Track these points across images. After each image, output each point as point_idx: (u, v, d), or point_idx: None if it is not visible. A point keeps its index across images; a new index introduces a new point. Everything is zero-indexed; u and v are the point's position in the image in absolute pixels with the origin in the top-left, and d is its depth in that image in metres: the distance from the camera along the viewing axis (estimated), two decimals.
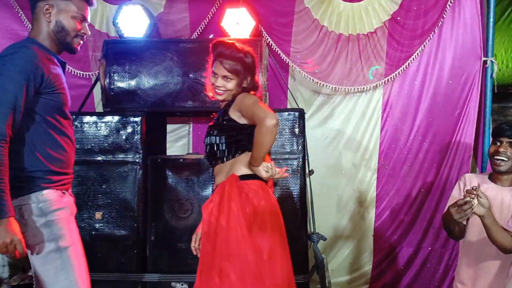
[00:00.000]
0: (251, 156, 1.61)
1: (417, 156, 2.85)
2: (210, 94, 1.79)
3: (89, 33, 1.70)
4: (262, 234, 1.60)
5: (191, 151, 3.14)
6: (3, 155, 1.40)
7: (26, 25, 2.88)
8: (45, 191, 1.52)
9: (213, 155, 1.71)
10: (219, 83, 1.71)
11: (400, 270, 2.93)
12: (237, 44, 1.72)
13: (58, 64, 1.61)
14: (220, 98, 1.73)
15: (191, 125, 3.14)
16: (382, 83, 2.79)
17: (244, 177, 1.65)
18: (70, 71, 2.94)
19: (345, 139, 2.94)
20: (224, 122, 1.69)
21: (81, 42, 1.66)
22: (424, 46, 2.75)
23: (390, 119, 2.85)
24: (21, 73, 1.45)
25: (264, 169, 1.61)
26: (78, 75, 2.95)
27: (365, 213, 2.97)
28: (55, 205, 1.53)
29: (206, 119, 3.01)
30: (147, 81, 2.57)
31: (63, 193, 1.59)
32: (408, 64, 2.75)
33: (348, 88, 2.81)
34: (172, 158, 2.66)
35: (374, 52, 2.77)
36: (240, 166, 1.67)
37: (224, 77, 1.69)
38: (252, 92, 1.74)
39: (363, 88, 2.80)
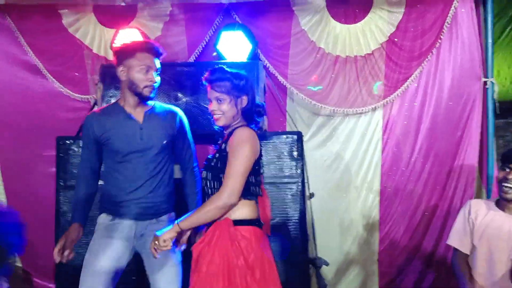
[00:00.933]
0: (185, 217, 1.59)
1: (419, 178, 2.79)
2: (216, 127, 1.76)
3: (156, 80, 1.91)
4: None
5: None
6: None
7: (26, 49, 2.90)
8: None
9: (208, 194, 1.65)
10: (213, 107, 1.69)
11: None
12: (224, 67, 1.71)
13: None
14: (220, 123, 1.69)
15: None
16: (381, 104, 2.76)
17: (238, 223, 1.58)
18: (67, 94, 2.95)
19: (345, 161, 2.89)
20: (218, 161, 1.63)
21: (152, 90, 1.90)
22: (422, 67, 2.73)
23: (390, 140, 2.80)
24: None
25: (164, 241, 1.56)
26: (76, 98, 2.95)
27: (369, 236, 2.89)
28: None
29: (204, 139, 2.98)
30: None
31: None
32: (407, 85, 2.73)
33: (346, 110, 2.78)
34: None
35: (372, 73, 2.75)
36: (234, 209, 1.60)
37: (217, 99, 1.67)
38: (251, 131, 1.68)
39: (362, 110, 2.77)
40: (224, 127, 1.72)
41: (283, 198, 2.43)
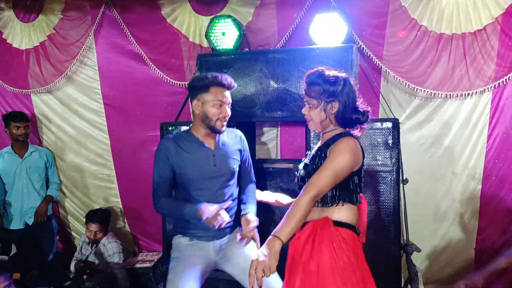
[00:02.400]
0: (281, 228, 1.45)
1: None
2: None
3: (229, 114, 1.99)
4: None
5: (279, 154, 3.19)
6: None
7: (130, 39, 3.14)
8: None
9: None
10: (304, 111, 1.69)
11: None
12: (321, 70, 1.65)
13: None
14: (311, 128, 1.70)
15: (279, 128, 3.17)
16: (491, 87, 2.48)
17: (337, 224, 1.59)
18: (167, 80, 3.15)
19: (444, 146, 2.71)
20: (319, 166, 1.58)
21: (224, 123, 1.98)
22: None
23: (500, 125, 2.54)
24: None
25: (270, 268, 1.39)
26: (175, 84, 3.14)
27: (467, 225, 2.74)
28: None
29: (294, 123, 3.02)
30: (237, 92, 2.64)
31: None
32: None
33: (449, 94, 2.56)
34: (263, 166, 2.71)
35: (482, 52, 2.46)
36: (335, 210, 1.60)
37: (307, 103, 1.67)
38: (353, 132, 1.66)
39: (468, 93, 2.53)
40: (319, 131, 1.71)
41: (376, 187, 2.39)
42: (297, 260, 1.57)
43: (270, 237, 1.44)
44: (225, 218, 1.85)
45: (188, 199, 2.01)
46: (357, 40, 2.65)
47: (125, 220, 3.68)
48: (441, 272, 2.86)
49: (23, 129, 3.23)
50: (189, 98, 2.05)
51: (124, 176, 3.52)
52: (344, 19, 2.45)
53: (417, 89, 2.62)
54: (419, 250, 2.59)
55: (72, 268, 3.26)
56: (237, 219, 2.11)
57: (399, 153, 2.37)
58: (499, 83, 2.46)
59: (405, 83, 2.63)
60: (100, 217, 3.20)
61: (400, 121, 2.58)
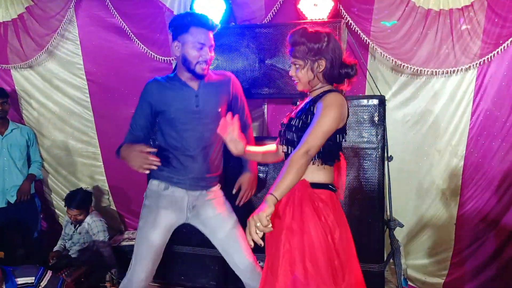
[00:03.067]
0: (276, 186, 1.45)
1: None
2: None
3: (209, 56, 1.89)
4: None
5: (266, 132, 3.19)
6: None
7: (113, 12, 3.03)
8: None
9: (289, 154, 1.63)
10: (291, 72, 1.68)
11: (485, 260, 2.76)
12: (306, 28, 1.63)
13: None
14: (299, 88, 1.70)
15: (266, 106, 3.15)
16: (476, 64, 2.49)
17: (314, 186, 1.60)
18: (150, 55, 3.07)
19: (429, 123, 2.73)
20: (306, 121, 1.59)
21: (205, 66, 1.87)
22: None
23: (483, 103, 2.57)
24: None
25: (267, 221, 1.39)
26: (159, 59, 3.07)
27: (449, 201, 2.80)
28: None
29: (281, 100, 3.00)
30: (224, 68, 2.61)
31: None
32: (511, 42, 2.40)
33: (435, 71, 2.56)
34: None
35: (468, 28, 2.46)
36: (312, 171, 1.60)
37: (294, 64, 1.65)
38: (342, 87, 1.66)
39: (453, 70, 2.53)
40: (307, 91, 1.70)
41: (361, 163, 2.41)
42: (278, 224, 1.58)
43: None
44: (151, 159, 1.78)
45: (168, 140, 1.97)
46: (345, 15, 2.62)
47: (111, 198, 3.66)
48: (422, 245, 2.94)
49: (0, 105, 3.10)
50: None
51: (109, 153, 3.47)
52: None
53: (403, 66, 2.61)
54: (402, 226, 2.65)
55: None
56: (220, 173, 2.11)
57: (384, 130, 2.39)
58: (484, 60, 2.47)
59: (392, 60, 2.62)
60: (78, 202, 3.11)
61: (386, 98, 2.59)
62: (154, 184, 2.04)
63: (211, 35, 1.93)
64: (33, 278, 2.23)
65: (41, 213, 3.50)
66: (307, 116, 1.61)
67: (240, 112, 2.10)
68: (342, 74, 1.64)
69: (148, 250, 1.97)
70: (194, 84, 1.97)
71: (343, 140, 1.67)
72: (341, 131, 1.64)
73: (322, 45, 1.59)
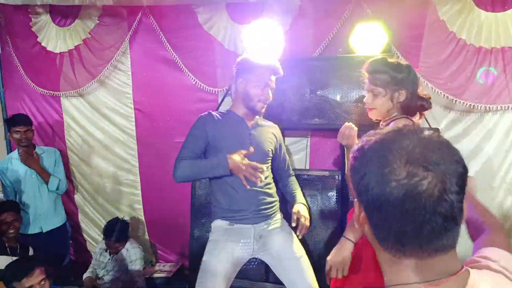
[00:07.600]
0: None
1: None
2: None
3: (270, 97, 2.04)
4: None
5: (308, 164, 3.16)
6: None
7: (165, 45, 3.16)
8: None
9: None
10: (366, 99, 1.68)
11: None
12: (386, 58, 1.67)
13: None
14: (372, 116, 1.69)
15: (309, 138, 3.14)
16: None
17: None
18: (200, 86, 3.15)
19: (482, 160, 2.67)
20: None
21: (264, 105, 2.04)
22: None
23: None
24: None
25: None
26: (207, 90, 3.15)
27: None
28: None
29: (324, 133, 2.99)
30: (276, 99, 2.64)
31: None
32: None
33: (489, 106, 2.55)
34: (297, 173, 2.67)
35: None
36: None
37: (371, 92, 1.65)
38: (414, 118, 1.64)
39: (508, 106, 2.52)
40: (380, 120, 1.70)
41: None
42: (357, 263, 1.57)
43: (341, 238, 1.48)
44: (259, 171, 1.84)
45: (221, 181, 1.98)
46: (394, 50, 2.67)
47: (145, 228, 3.61)
48: None
49: (23, 133, 3.02)
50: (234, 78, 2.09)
51: (148, 182, 3.49)
52: (384, 29, 2.49)
53: (455, 101, 2.61)
54: None
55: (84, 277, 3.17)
56: (276, 208, 2.13)
57: None
58: None
59: (444, 95, 2.62)
60: (118, 234, 3.07)
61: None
62: (217, 221, 2.06)
63: (273, 78, 2.05)
64: None
65: (70, 239, 3.47)
66: None
67: (284, 161, 2.26)
68: (418, 106, 1.65)
69: (214, 283, 1.88)
70: (248, 122, 2.08)
71: None
72: None
73: (404, 75, 1.61)
